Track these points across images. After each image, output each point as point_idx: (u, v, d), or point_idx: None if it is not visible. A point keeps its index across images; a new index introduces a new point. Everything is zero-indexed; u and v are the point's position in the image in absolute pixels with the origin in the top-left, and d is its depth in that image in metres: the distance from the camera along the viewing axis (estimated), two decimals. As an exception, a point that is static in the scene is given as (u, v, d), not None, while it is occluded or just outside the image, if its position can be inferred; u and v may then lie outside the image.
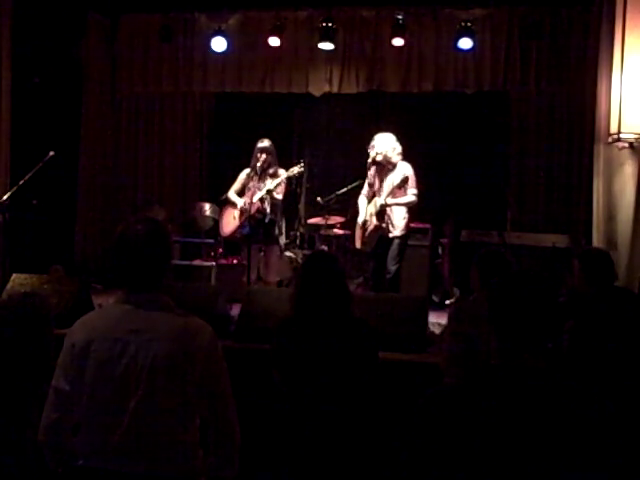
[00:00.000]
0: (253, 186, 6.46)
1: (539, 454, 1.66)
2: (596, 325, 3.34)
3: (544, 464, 1.66)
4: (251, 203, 6.29)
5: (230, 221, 6.64)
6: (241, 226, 6.51)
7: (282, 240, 6.90)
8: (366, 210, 6.14)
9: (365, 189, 6.25)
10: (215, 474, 2.23)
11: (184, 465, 2.16)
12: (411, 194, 5.95)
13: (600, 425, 1.69)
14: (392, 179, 5.94)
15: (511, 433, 1.69)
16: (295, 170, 6.50)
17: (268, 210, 6.43)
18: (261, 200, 6.37)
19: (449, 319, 3.73)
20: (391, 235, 5.99)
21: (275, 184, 6.37)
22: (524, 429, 1.68)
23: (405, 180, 5.86)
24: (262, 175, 6.47)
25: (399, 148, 5.99)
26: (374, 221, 5.98)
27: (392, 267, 5.97)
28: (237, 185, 6.64)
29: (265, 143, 6.48)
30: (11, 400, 2.79)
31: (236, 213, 6.56)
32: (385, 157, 5.94)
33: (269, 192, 6.36)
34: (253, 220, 6.37)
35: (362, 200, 6.25)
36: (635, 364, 3.27)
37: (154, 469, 2.11)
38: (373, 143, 6.01)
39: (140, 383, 2.10)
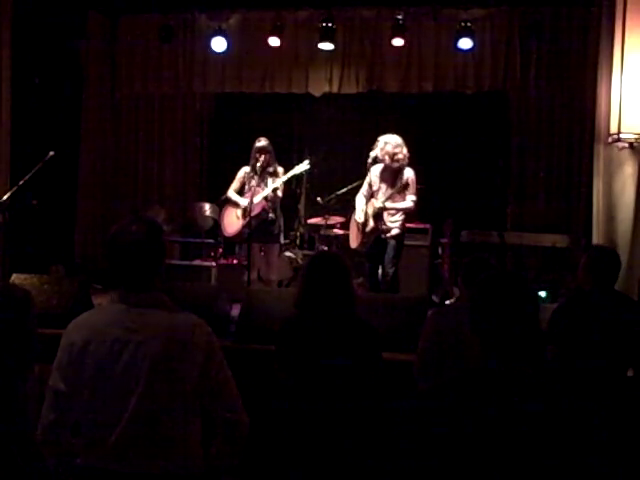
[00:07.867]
0: (254, 186, 6.41)
1: (524, 460, 1.66)
2: (593, 329, 3.31)
3: (529, 470, 1.66)
4: (251, 202, 6.23)
5: (233, 221, 6.53)
6: (246, 225, 6.42)
7: (282, 239, 6.88)
8: (364, 210, 6.10)
9: (364, 188, 6.15)
10: (218, 462, 2.25)
11: (183, 464, 2.16)
12: (410, 200, 5.88)
13: (584, 430, 1.69)
14: (396, 183, 5.88)
15: (493, 438, 1.68)
16: (302, 167, 6.38)
17: (272, 209, 6.40)
18: (266, 199, 6.32)
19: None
20: (386, 236, 5.94)
21: (281, 182, 6.27)
22: (506, 434, 1.68)
23: (405, 186, 5.82)
24: (262, 174, 6.44)
25: (407, 152, 5.89)
26: (371, 223, 5.95)
27: (389, 269, 5.91)
28: (236, 184, 6.58)
29: (263, 142, 6.43)
30: None
31: (239, 212, 6.47)
32: (398, 159, 5.81)
33: (275, 190, 6.31)
34: (257, 219, 6.33)
35: (360, 199, 6.16)
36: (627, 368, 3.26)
37: (153, 468, 2.12)
38: (383, 145, 5.87)
39: (139, 382, 2.11)
